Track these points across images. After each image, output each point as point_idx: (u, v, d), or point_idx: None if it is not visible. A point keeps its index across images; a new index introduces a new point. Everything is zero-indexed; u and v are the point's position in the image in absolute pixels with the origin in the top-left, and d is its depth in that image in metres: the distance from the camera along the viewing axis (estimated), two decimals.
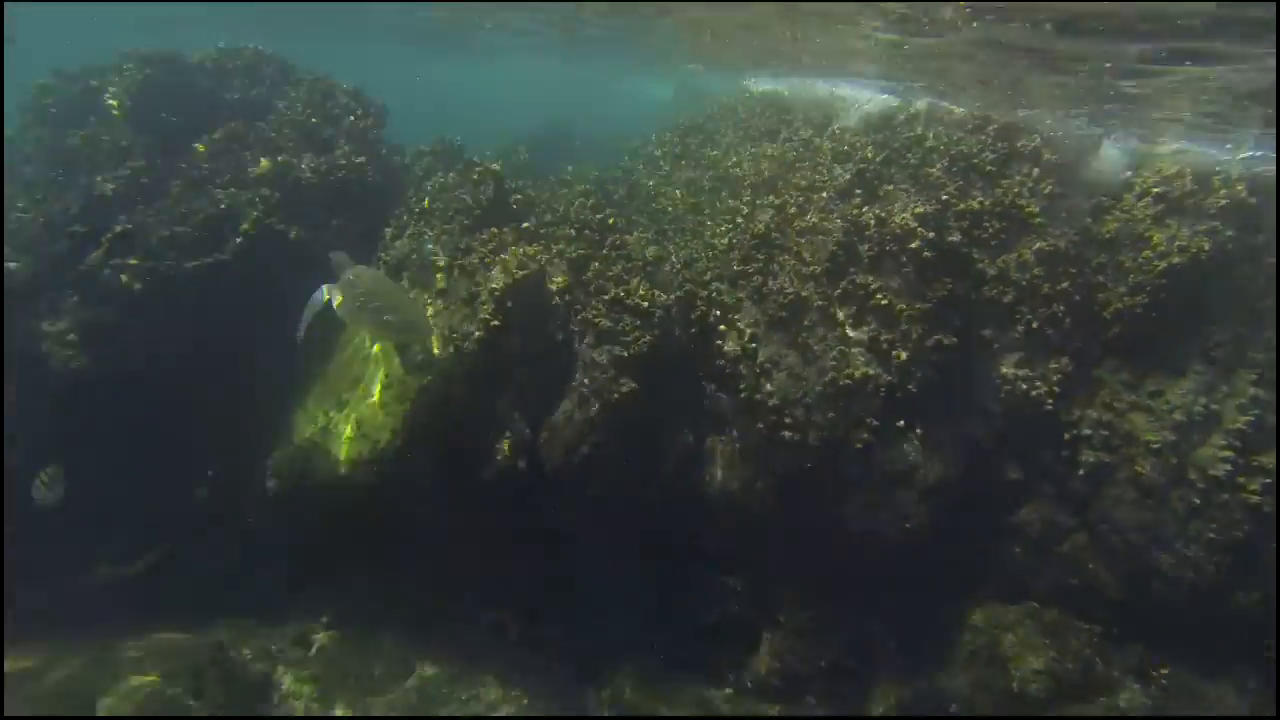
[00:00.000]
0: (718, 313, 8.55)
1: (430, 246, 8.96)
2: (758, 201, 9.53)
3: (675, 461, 8.19)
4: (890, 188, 8.61)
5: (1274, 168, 8.17)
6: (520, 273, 7.93)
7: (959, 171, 8.36)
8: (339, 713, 8.43)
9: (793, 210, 9.00)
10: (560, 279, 8.59)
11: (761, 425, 8.09)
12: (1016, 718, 7.62)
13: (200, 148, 10.07)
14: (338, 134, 11.00)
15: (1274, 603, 7.37)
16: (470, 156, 10.00)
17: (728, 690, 8.60)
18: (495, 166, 9.33)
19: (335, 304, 7.39)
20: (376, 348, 8.57)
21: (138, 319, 8.88)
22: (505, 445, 7.94)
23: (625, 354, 8.03)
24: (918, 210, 7.75)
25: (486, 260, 8.14)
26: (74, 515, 8.74)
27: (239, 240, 9.35)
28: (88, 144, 9.67)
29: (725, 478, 8.20)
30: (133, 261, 8.92)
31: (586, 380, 8.07)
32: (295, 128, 10.77)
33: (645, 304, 8.20)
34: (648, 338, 8.05)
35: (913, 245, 7.78)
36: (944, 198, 8.00)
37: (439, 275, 8.65)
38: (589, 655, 8.96)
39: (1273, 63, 6.58)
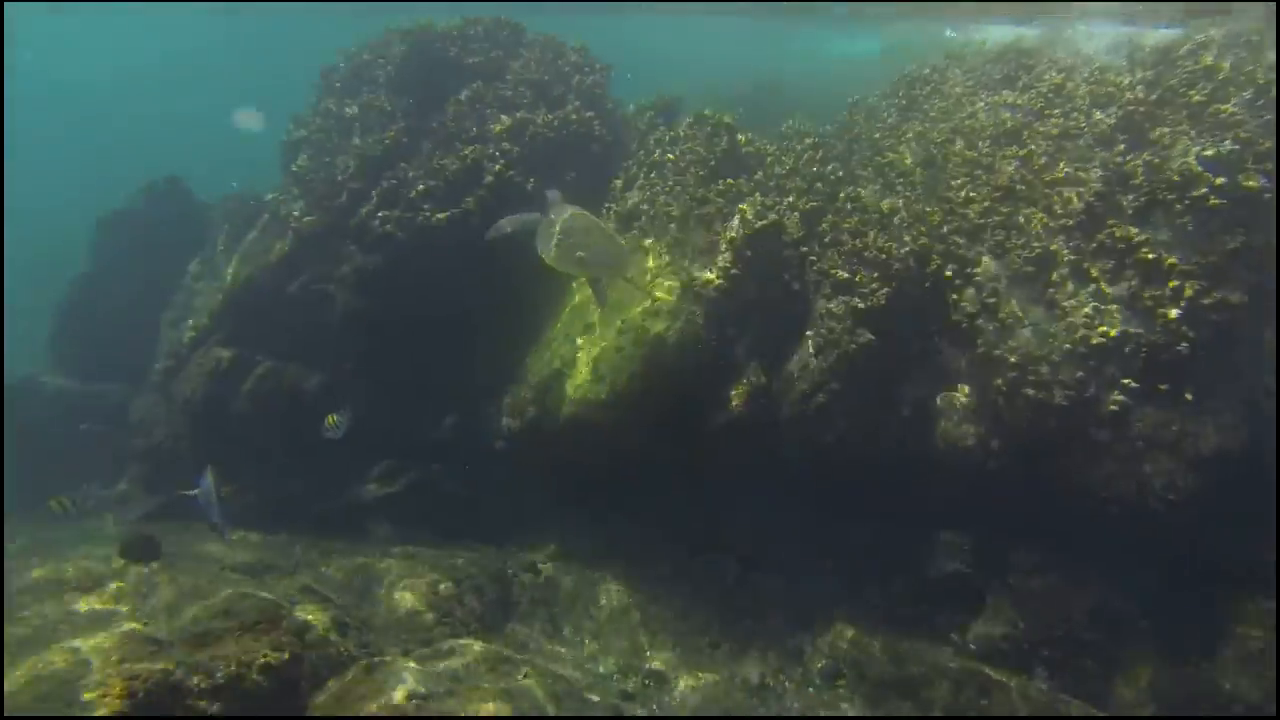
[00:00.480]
0: (955, 267, 8.35)
1: (664, 197, 9.33)
2: (999, 153, 9.13)
3: (907, 415, 8.17)
4: (1165, 130, 7.98)
5: None
6: (759, 223, 8.15)
7: (1268, 104, 7.56)
8: (567, 633, 9.18)
9: (1041, 161, 8.59)
10: (794, 230, 8.72)
11: (1000, 381, 7.89)
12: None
13: (449, 108, 10.99)
14: (568, 91, 11.62)
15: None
16: (700, 111, 10.25)
17: (948, 650, 8.52)
18: (728, 119, 9.54)
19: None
20: (613, 292, 9.07)
21: (400, 265, 9.94)
22: (740, 391, 8.23)
23: (862, 305, 8.07)
24: (1206, 153, 7.16)
25: (724, 210, 8.40)
26: (353, 436, 10.06)
27: (481, 192, 10.16)
28: (362, 111, 10.86)
29: (958, 433, 8.08)
30: (395, 213, 9.97)
31: (823, 330, 8.20)
32: (530, 86, 11.50)
33: (884, 256, 8.18)
34: (885, 290, 8.04)
35: (1196, 193, 7.22)
36: (1243, 136, 7.30)
37: (672, 225, 9.02)
38: (807, 605, 9.17)
39: None
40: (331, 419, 8.39)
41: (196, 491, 7.33)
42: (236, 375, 9.96)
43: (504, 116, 10.93)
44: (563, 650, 8.83)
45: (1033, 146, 8.71)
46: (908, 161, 10.42)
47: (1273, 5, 4.64)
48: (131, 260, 13.38)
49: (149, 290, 12.80)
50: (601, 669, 8.63)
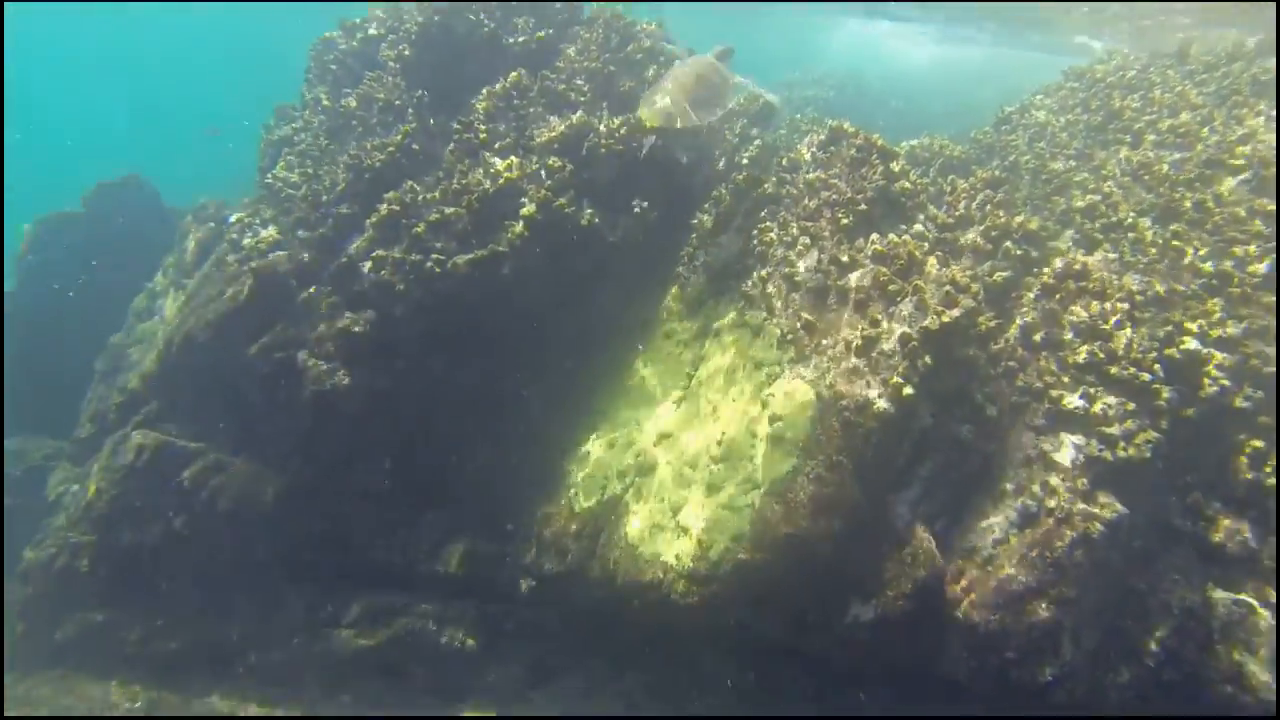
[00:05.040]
0: (1258, 393, 5.45)
1: (782, 250, 6.56)
2: None
3: (1169, 639, 5.31)
4: None
5: None
6: (948, 314, 5.34)
7: None
8: None
9: None
10: (982, 318, 5.89)
11: None
12: None
13: (479, 105, 8.32)
14: (639, 85, 8.94)
15: None
16: (836, 122, 7.40)
17: None
18: (879, 139, 6.76)
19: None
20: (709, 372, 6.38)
21: (399, 327, 7.30)
22: (903, 573, 5.43)
23: (1109, 455, 5.23)
24: None
25: (889, 286, 5.60)
26: (312, 566, 7.51)
27: (518, 227, 7.48)
28: (361, 104, 8.27)
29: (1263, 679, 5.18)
30: (396, 254, 7.34)
31: (1036, 489, 5.37)
32: (588, 77, 8.82)
33: (1145, 375, 5.33)
34: (1149, 435, 5.19)
35: None
36: None
37: (798, 298, 6.24)
38: None
39: None
40: None
41: None
42: (163, 470, 7.39)
43: (553, 119, 8.23)
44: None
45: None
46: (1124, 210, 7.54)
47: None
48: (69, 282, 10.89)
49: (93, 319, 10.33)
50: None
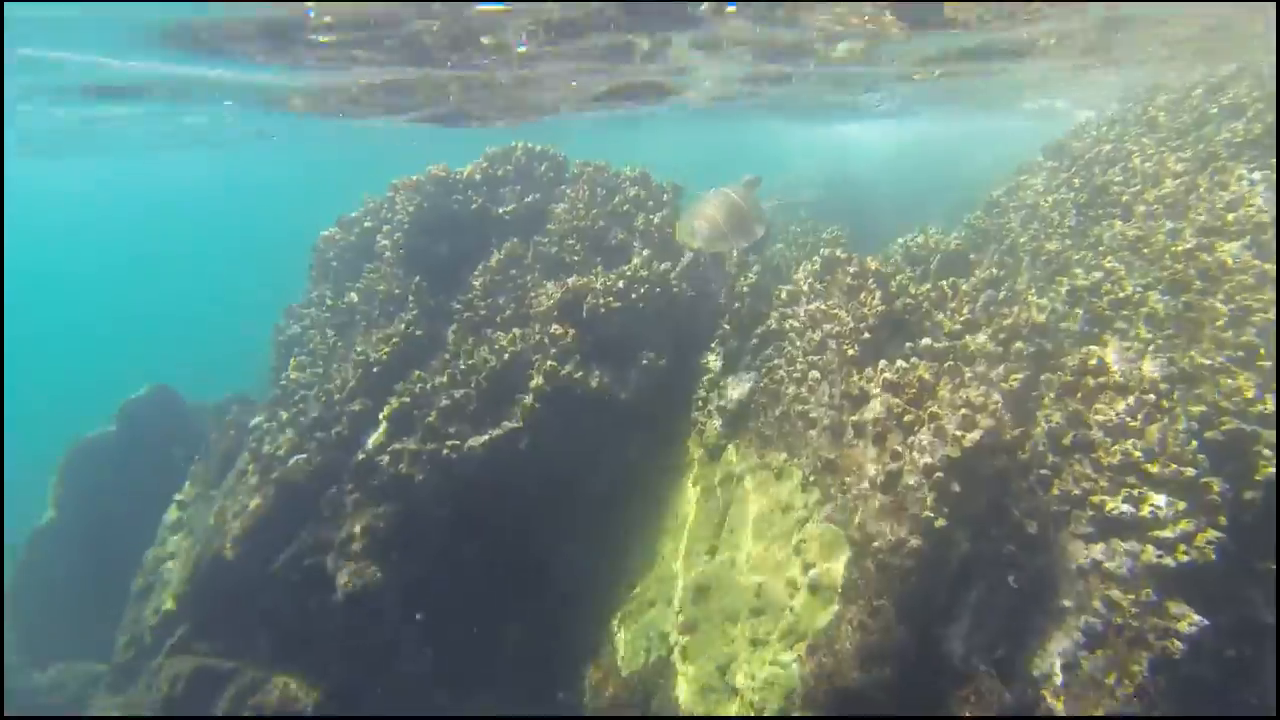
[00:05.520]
0: None
1: (793, 388, 6.50)
2: None
3: None
4: None
5: None
6: (969, 437, 5.19)
7: None
8: None
9: None
10: (1005, 430, 5.73)
11: None
12: None
13: (476, 281, 8.55)
14: (631, 236, 9.13)
15: None
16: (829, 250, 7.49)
17: None
18: (873, 263, 6.79)
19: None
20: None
21: (423, 518, 7.27)
22: (966, 712, 5.09)
23: (1169, 561, 4.96)
24: None
25: (904, 417, 5.48)
26: None
27: (528, 399, 7.55)
28: (363, 299, 8.53)
29: None
30: (412, 446, 7.39)
31: (1097, 605, 5.08)
32: (580, 236, 9.04)
33: (1189, 470, 5.11)
34: (1212, 535, 4.93)
35: None
36: None
37: (815, 434, 6.15)
38: None
39: None
40: None
41: None
42: (202, 695, 7.27)
43: (549, 285, 8.42)
44: None
45: None
46: (1128, 286, 7.47)
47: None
48: (105, 503, 11.12)
49: (127, 538, 10.43)
50: None
